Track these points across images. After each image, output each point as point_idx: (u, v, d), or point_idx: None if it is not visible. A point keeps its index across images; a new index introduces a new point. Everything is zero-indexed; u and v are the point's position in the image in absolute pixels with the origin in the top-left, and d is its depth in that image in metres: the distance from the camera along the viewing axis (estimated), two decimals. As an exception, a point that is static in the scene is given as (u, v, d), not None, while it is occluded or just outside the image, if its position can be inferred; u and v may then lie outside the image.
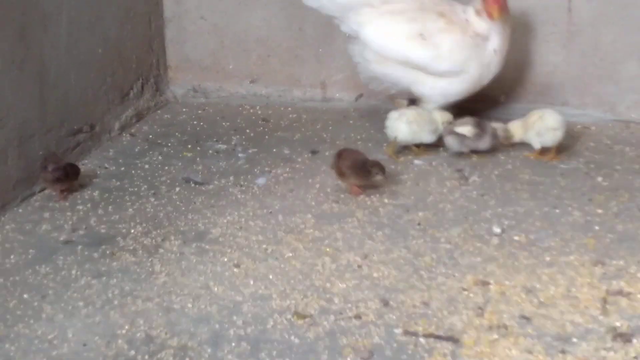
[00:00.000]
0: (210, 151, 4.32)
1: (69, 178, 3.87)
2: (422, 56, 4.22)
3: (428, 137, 4.14)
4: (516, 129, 4.18)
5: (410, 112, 4.12)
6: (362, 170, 3.78)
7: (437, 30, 4.21)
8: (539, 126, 4.09)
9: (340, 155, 3.82)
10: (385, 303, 3.14)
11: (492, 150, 4.18)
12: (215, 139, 4.43)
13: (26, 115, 3.89)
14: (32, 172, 3.91)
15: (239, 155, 4.28)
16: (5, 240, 3.56)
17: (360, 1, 4.21)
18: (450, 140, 4.13)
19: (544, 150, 4.13)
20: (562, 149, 4.22)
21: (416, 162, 4.16)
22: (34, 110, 3.94)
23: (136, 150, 4.33)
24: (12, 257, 3.47)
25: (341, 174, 3.80)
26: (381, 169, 3.79)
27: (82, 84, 4.25)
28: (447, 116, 4.19)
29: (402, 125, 4.06)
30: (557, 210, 3.71)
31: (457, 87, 4.26)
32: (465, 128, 4.10)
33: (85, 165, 4.09)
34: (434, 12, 4.23)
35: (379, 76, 4.32)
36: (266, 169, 3.98)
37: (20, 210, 3.80)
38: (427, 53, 4.21)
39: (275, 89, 4.76)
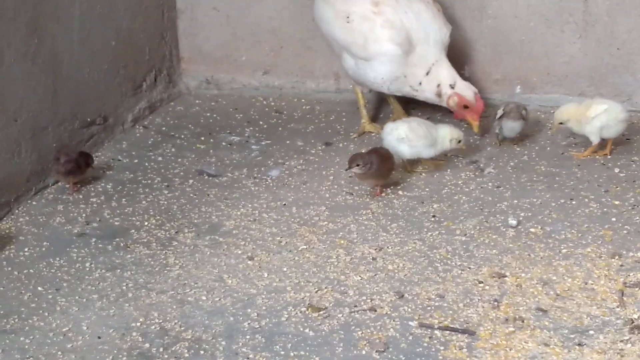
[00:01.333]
0: (223, 143, 4.31)
1: (81, 170, 3.86)
2: None
3: (426, 152, 3.98)
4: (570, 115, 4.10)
5: (402, 128, 3.97)
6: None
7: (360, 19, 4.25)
8: (605, 118, 4.00)
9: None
10: (400, 295, 3.14)
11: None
12: (228, 131, 4.42)
13: (39, 107, 3.89)
14: (46, 164, 3.92)
15: (252, 147, 4.27)
16: (19, 233, 3.56)
17: None
18: (509, 125, 4.10)
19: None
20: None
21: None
22: (47, 103, 3.94)
23: (149, 142, 4.33)
24: (26, 249, 3.47)
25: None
26: (356, 162, 3.73)
27: (95, 76, 4.25)
28: (458, 133, 4.04)
29: (393, 143, 3.96)
30: (574, 202, 3.71)
31: None
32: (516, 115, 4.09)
33: (99, 157, 4.09)
34: None
35: None
36: (279, 161, 3.97)
37: (34, 203, 3.80)
38: None
39: (288, 81, 4.75)
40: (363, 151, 3.88)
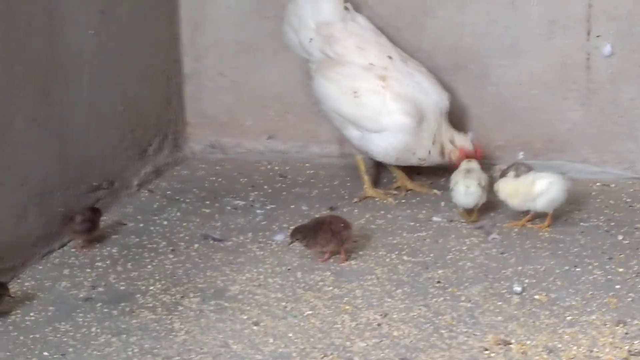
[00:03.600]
0: (228, 207, 4.32)
1: (96, 227, 3.91)
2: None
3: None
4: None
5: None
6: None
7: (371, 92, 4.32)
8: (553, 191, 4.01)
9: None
10: (407, 362, 3.11)
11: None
12: (233, 195, 4.42)
13: (47, 172, 3.90)
14: (52, 228, 3.92)
15: (257, 211, 4.27)
16: (25, 298, 3.55)
17: None
18: None
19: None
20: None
21: (435, 218, 4.14)
22: (55, 168, 3.95)
23: (154, 206, 4.34)
24: (32, 314, 3.46)
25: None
26: (295, 236, 3.78)
27: (102, 141, 4.26)
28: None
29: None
30: (578, 269, 3.70)
31: None
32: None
33: (105, 221, 4.07)
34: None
35: None
36: (284, 225, 3.97)
37: (40, 267, 3.79)
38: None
39: (292, 145, 4.76)
40: (315, 217, 3.96)
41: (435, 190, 4.42)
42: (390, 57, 4.29)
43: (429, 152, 4.26)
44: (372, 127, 4.23)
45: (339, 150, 4.71)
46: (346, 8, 4.36)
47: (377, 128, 4.22)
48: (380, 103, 4.21)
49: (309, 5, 4.35)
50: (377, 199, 4.37)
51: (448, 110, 4.33)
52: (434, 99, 4.28)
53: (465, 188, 3.95)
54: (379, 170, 4.60)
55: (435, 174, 4.47)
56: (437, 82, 4.35)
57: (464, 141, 4.28)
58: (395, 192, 4.44)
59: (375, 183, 4.51)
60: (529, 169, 4.10)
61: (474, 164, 4.10)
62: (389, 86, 4.22)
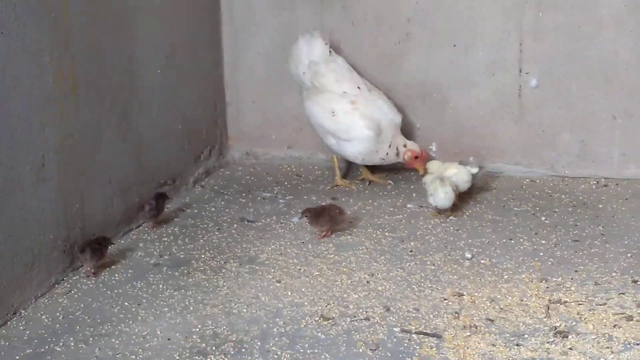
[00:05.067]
0: (258, 198, 4.33)
1: (160, 212, 3.94)
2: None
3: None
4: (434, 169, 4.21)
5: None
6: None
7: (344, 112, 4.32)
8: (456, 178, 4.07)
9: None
10: (387, 309, 3.15)
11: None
12: (262, 189, 4.44)
13: (127, 173, 3.92)
14: (130, 214, 3.95)
15: (280, 200, 4.29)
16: (112, 264, 3.57)
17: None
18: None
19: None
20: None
21: (408, 205, 4.15)
22: (133, 169, 3.98)
23: (205, 197, 4.35)
24: (116, 275, 3.50)
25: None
26: (304, 213, 3.81)
27: (167, 150, 4.29)
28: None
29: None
30: (512, 241, 3.72)
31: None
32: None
33: (169, 208, 4.09)
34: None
35: None
36: (299, 210, 3.94)
37: (122, 242, 3.82)
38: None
39: (305, 153, 4.78)
40: (321, 204, 3.98)
41: (389, 181, 4.45)
42: (359, 88, 4.34)
43: (387, 153, 4.31)
44: (345, 137, 4.28)
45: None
46: (330, 52, 4.40)
47: (348, 138, 4.27)
48: (351, 120, 4.25)
49: (305, 49, 4.39)
50: (349, 189, 4.41)
51: (400, 124, 4.38)
52: (389, 117, 4.32)
53: (445, 194, 3.92)
54: (349, 167, 4.59)
55: (391, 170, 4.49)
56: (392, 105, 4.39)
57: (414, 145, 4.32)
58: (359, 182, 4.46)
59: (345, 176, 4.52)
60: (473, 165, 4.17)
61: (450, 169, 4.10)
62: (357, 108, 4.26)
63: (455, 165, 4.12)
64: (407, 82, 4.54)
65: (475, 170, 4.14)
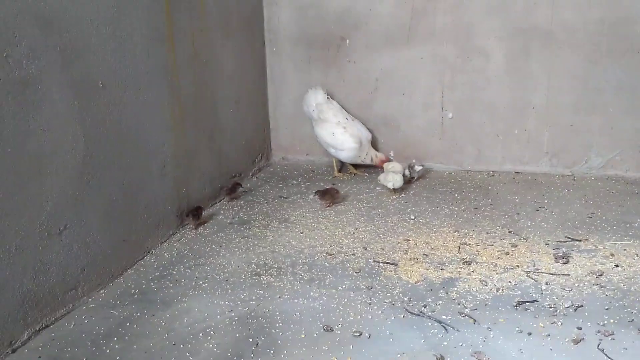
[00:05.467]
0: (289, 184, 4.28)
1: (234, 190, 3.97)
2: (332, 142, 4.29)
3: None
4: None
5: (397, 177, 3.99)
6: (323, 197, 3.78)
7: (340, 134, 4.25)
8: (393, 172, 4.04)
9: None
10: (365, 248, 3.16)
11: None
12: (292, 179, 4.39)
13: (213, 170, 3.93)
14: (215, 194, 3.95)
15: (301, 185, 4.24)
16: (204, 223, 3.58)
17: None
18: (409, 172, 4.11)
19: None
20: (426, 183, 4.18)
21: (377, 188, 4.09)
22: (216, 167, 3.97)
23: (258, 184, 4.31)
24: (207, 230, 3.50)
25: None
26: (316, 193, 3.80)
27: (237, 157, 4.27)
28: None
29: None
30: (438, 209, 3.69)
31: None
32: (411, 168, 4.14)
33: (240, 191, 4.08)
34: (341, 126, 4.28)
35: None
36: (313, 191, 3.92)
37: (210, 210, 3.81)
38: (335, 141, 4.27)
39: (317, 158, 4.75)
40: (325, 187, 3.93)
41: (366, 174, 4.37)
42: (347, 119, 4.31)
43: (365, 158, 4.30)
44: (340, 148, 4.25)
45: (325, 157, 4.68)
46: (328, 97, 4.37)
47: (342, 148, 4.24)
48: (344, 138, 4.22)
49: (313, 97, 4.36)
50: (342, 178, 4.33)
51: (371, 139, 4.35)
52: (365, 135, 4.30)
53: (399, 180, 3.93)
54: (342, 165, 4.51)
55: (365, 168, 4.40)
56: (365, 127, 4.35)
57: (380, 155, 4.31)
58: (348, 174, 4.40)
59: (340, 171, 4.45)
60: (413, 166, 4.14)
61: (397, 168, 4.10)
62: (347, 131, 4.24)
63: (400, 165, 4.12)
64: (376, 115, 4.53)
65: (419, 167, 4.14)
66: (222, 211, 3.77)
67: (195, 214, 3.48)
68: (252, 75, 4.49)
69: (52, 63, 2.49)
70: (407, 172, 4.06)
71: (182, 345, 2.32)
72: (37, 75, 2.41)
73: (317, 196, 3.77)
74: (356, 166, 4.45)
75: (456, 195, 3.91)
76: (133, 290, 2.79)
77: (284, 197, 3.98)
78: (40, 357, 2.29)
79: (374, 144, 4.49)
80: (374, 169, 4.37)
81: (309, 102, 4.40)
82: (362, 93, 4.51)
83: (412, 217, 3.54)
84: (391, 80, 4.42)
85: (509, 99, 4.21)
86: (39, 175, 2.46)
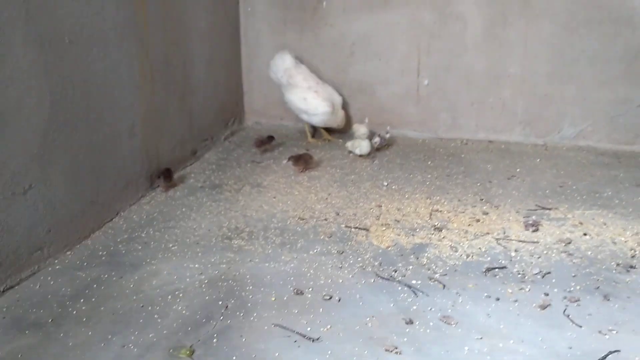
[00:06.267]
0: (263, 148, 4.25)
1: (265, 144, 4.12)
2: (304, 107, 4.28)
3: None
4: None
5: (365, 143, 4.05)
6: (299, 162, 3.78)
7: (312, 98, 4.23)
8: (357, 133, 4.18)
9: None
10: (337, 214, 3.16)
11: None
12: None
13: (184, 132, 3.88)
14: (185, 158, 3.91)
15: (275, 150, 4.22)
16: (175, 185, 3.55)
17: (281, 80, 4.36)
18: (377, 140, 4.08)
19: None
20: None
21: (351, 154, 4.08)
22: (187, 130, 3.93)
23: (231, 148, 4.29)
24: (177, 192, 3.47)
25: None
26: (288, 158, 3.79)
27: (209, 119, 4.23)
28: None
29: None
30: (411, 176, 3.71)
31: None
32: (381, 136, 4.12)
33: (210, 154, 4.08)
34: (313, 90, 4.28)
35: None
36: (287, 156, 3.91)
37: (181, 172, 3.78)
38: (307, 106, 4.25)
39: (291, 122, 4.73)
40: (299, 153, 3.89)
41: (340, 140, 4.35)
42: (317, 83, 4.29)
43: (340, 123, 4.36)
44: (314, 112, 4.23)
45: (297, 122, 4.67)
46: (297, 61, 4.34)
47: (316, 112, 4.23)
48: (317, 102, 4.21)
49: (280, 61, 4.33)
50: (317, 144, 4.34)
51: (342, 103, 4.37)
52: (336, 99, 4.31)
53: (365, 146, 3.97)
54: (315, 131, 4.51)
55: (340, 134, 4.41)
56: (337, 91, 4.36)
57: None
58: (322, 140, 4.39)
59: (313, 136, 4.45)
60: (378, 134, 4.13)
61: (365, 131, 4.14)
62: (319, 95, 4.22)
63: (365, 127, 4.19)
64: (352, 81, 4.51)
65: (387, 135, 4.14)
66: (192, 174, 3.73)
67: (166, 175, 3.44)
68: (225, 36, 4.41)
69: (15, 16, 2.40)
70: (375, 140, 4.06)
71: (150, 307, 2.31)
72: (0, 28, 2.33)
73: (290, 161, 3.75)
74: (330, 131, 4.45)
75: (429, 162, 3.91)
76: (101, 252, 2.76)
77: (256, 162, 3.95)
78: (4, 317, 2.26)
79: (350, 110, 4.47)
80: (348, 135, 4.37)
81: (276, 68, 4.35)
82: (338, 57, 4.47)
83: (385, 183, 3.54)
84: (368, 45, 4.39)
85: (485, 66, 4.22)
86: (2, 132, 2.39)
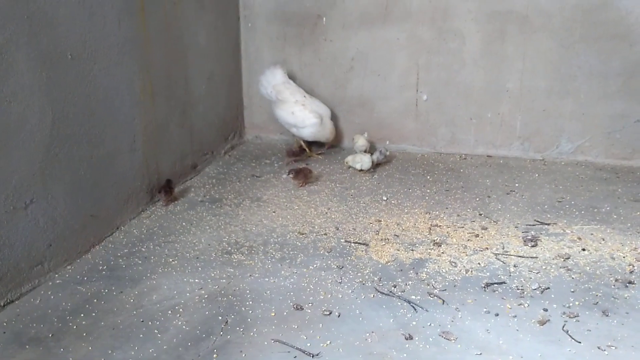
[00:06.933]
0: (263, 163, 4.28)
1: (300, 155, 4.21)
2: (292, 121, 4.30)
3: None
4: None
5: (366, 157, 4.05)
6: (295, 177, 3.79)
7: (299, 111, 4.25)
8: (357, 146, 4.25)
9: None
10: (337, 228, 3.17)
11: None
12: (265, 158, 4.39)
13: (184, 147, 3.90)
14: (186, 172, 3.92)
15: (275, 164, 4.24)
16: (175, 200, 3.56)
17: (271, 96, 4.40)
18: (378, 156, 4.09)
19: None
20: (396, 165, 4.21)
21: (350, 169, 4.09)
22: (187, 145, 3.95)
23: (231, 162, 4.30)
24: (178, 207, 3.49)
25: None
26: (288, 173, 3.79)
27: (209, 134, 4.24)
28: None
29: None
30: (410, 190, 3.72)
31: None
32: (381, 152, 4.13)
33: (210, 168, 4.09)
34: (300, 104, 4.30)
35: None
36: (286, 170, 3.93)
37: (181, 187, 3.80)
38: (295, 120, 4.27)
39: (291, 137, 4.70)
40: (298, 167, 3.88)
41: (339, 156, 4.32)
42: (304, 97, 4.32)
43: (329, 137, 4.38)
44: (302, 126, 4.26)
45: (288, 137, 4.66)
46: (287, 77, 4.39)
47: (304, 126, 4.25)
48: (304, 115, 4.24)
49: (270, 77, 4.38)
50: (317, 158, 4.35)
51: (330, 116, 4.39)
52: (325, 111, 4.33)
53: (367, 161, 3.98)
54: (310, 145, 4.52)
55: (328, 149, 4.44)
56: (325, 104, 4.37)
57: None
58: (318, 154, 4.40)
59: (310, 149, 4.43)
60: (379, 150, 4.13)
61: (364, 142, 4.21)
62: (306, 108, 4.25)
63: (364, 139, 4.26)
64: (351, 96, 4.53)
65: (386, 152, 4.14)
66: (193, 189, 3.74)
67: (167, 189, 3.46)
68: (226, 51, 4.45)
69: (19, 32, 2.43)
70: (375, 157, 4.07)
71: (150, 322, 2.32)
72: (3, 44, 2.36)
73: (290, 176, 3.77)
74: (321, 146, 4.48)
75: (428, 177, 3.92)
76: (101, 267, 2.77)
77: (256, 176, 3.97)
78: (4, 332, 2.26)
79: (349, 125, 4.50)
80: (343, 151, 4.38)
81: (266, 83, 4.38)
82: (338, 72, 4.50)
83: (384, 198, 3.55)
84: (367, 61, 4.42)
85: (484, 82, 4.24)
86: (5, 147, 2.41)
